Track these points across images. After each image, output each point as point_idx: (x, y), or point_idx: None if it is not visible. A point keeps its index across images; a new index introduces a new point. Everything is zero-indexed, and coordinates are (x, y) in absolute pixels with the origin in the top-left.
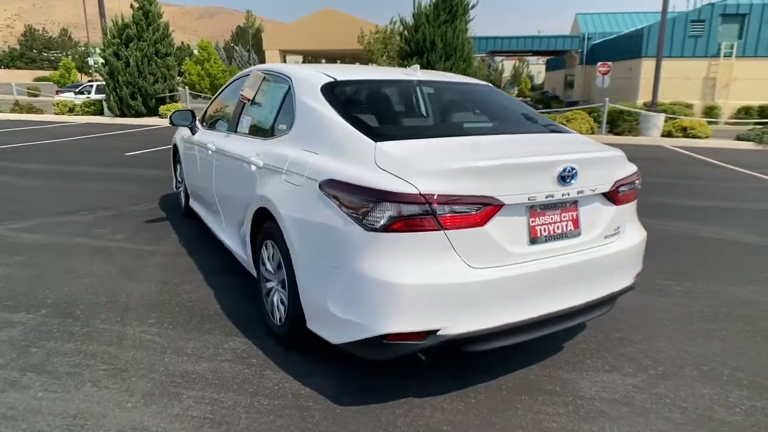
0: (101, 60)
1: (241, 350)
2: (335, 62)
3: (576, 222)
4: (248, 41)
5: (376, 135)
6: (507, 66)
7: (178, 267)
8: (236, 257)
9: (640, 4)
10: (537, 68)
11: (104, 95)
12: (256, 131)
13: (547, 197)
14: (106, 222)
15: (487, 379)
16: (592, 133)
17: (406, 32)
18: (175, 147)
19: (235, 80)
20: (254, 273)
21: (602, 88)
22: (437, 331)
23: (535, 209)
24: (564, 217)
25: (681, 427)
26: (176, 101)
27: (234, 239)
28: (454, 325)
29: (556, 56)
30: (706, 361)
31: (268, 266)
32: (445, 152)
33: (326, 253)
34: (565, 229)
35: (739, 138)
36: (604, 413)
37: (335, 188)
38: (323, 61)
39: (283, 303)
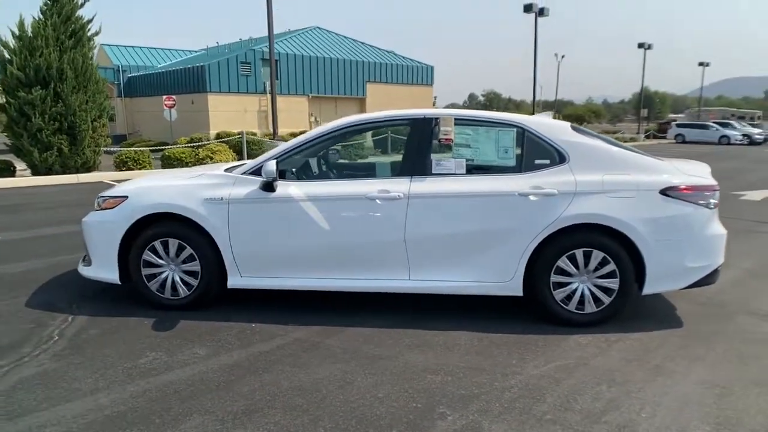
0: None
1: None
2: None
3: None
4: None
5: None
6: None
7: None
8: (471, 293)
9: (166, 41)
10: None
11: None
12: (490, 170)
13: None
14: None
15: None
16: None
17: (15, 57)
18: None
19: (341, 129)
20: (516, 293)
21: (171, 120)
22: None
23: None
24: None
25: None
26: None
27: (468, 272)
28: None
29: None
30: None
31: (577, 270)
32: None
33: (679, 231)
34: None
35: None
36: None
37: (679, 191)
38: None
39: (599, 291)
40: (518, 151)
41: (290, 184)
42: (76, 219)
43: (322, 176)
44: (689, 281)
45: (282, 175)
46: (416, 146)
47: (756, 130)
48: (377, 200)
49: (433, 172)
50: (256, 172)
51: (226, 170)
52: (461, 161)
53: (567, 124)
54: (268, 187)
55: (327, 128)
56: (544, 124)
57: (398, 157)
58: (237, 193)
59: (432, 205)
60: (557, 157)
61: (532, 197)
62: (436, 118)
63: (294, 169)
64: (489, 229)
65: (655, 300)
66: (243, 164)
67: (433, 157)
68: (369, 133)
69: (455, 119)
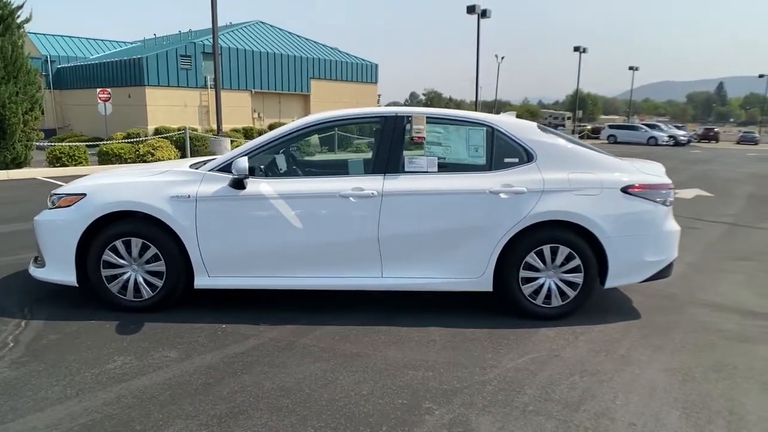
0: None
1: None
2: None
3: None
4: None
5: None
6: None
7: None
8: (443, 289)
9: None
10: None
11: None
12: (461, 168)
13: None
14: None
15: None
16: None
17: None
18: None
19: (312, 126)
20: (486, 288)
21: (106, 115)
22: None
23: None
24: None
25: None
26: None
27: (440, 269)
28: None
29: None
30: None
31: (544, 265)
32: None
33: (639, 227)
34: None
35: None
36: None
37: (639, 189)
38: None
39: (565, 285)
40: (488, 150)
41: (261, 182)
42: (14, 218)
43: (292, 173)
44: (647, 275)
45: (251, 171)
46: (389, 144)
47: (681, 132)
48: (351, 198)
49: (406, 169)
50: (225, 168)
51: (192, 166)
52: (433, 159)
53: (534, 124)
54: (239, 184)
55: (298, 125)
56: (512, 123)
57: (359, 155)
58: (205, 190)
59: (405, 202)
60: (525, 155)
61: (502, 195)
62: (408, 116)
63: (263, 166)
64: (461, 227)
65: (613, 293)
66: (211, 160)
67: (406, 155)
68: None
69: (427, 117)
